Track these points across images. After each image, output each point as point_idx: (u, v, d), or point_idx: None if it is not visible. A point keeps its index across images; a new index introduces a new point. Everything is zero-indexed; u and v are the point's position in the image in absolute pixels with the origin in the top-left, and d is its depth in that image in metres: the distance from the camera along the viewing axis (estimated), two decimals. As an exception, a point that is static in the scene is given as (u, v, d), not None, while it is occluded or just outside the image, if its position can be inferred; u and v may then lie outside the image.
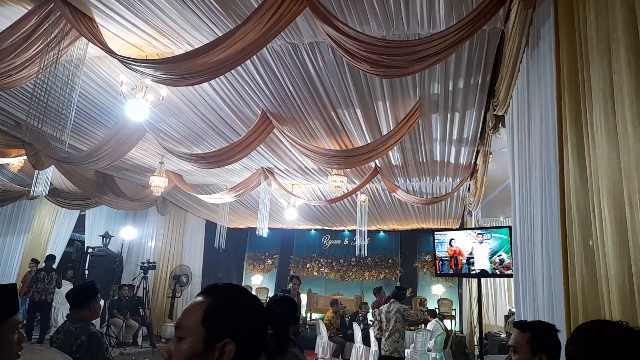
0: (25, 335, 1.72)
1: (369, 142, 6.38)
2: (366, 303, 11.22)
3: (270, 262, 15.04)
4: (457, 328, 11.95)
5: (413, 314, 6.57)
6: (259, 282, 14.74)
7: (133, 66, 4.08)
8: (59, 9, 3.90)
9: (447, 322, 11.29)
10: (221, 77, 4.76)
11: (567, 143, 2.05)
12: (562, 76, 2.16)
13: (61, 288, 9.46)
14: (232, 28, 3.69)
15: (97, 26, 4.19)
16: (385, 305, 6.58)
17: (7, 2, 4.01)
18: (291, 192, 9.40)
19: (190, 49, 4.33)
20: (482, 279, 6.53)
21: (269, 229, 9.66)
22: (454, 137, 6.48)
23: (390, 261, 14.00)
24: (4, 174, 9.24)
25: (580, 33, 1.96)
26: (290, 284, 7.77)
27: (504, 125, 4.57)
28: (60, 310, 9.91)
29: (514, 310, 7.27)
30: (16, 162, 8.40)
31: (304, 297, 12.93)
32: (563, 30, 2.18)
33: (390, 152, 6.90)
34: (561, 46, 2.20)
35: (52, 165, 7.92)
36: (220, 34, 4.02)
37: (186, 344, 1.03)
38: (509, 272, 5.44)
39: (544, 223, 2.65)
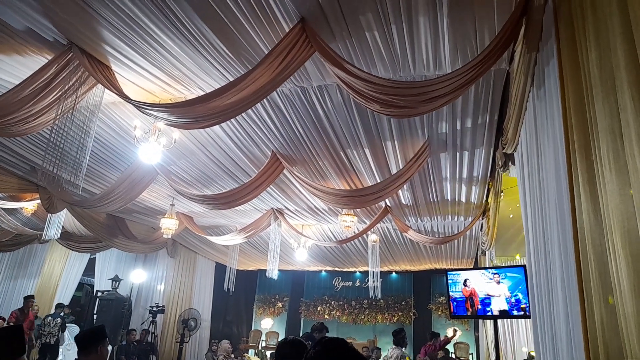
0: None
1: (379, 181, 6.39)
2: (379, 348, 10.86)
3: (280, 305, 14.72)
4: (475, 373, 11.50)
5: None
6: (269, 326, 14.35)
7: (147, 111, 4.19)
8: (77, 58, 4.06)
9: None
10: (232, 119, 4.86)
11: (577, 180, 2.04)
12: (568, 114, 2.17)
13: (65, 331, 10.36)
14: (242, 73, 3.81)
15: (114, 73, 4.35)
16: (390, 350, 6.36)
17: (28, 53, 4.20)
18: (301, 232, 9.35)
19: (202, 93, 4.46)
20: (499, 321, 6.33)
21: (279, 270, 9.55)
22: (464, 175, 6.47)
23: (403, 303, 13.66)
24: (18, 218, 9.37)
25: (584, 72, 1.99)
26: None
27: (513, 163, 4.56)
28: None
29: (533, 354, 7.00)
30: (30, 205, 8.54)
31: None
32: (567, 70, 2.21)
33: (400, 191, 6.89)
34: (566, 85, 2.22)
35: (65, 209, 8.02)
36: (231, 79, 4.14)
37: None
38: (525, 312, 5.28)
39: (559, 261, 2.59)
